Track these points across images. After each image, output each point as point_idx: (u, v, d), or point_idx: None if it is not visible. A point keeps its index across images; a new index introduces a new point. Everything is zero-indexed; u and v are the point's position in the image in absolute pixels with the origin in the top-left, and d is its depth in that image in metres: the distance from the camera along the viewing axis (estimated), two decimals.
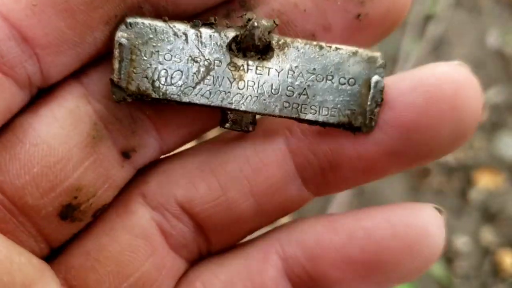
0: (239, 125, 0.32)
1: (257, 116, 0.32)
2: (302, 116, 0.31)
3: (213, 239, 0.34)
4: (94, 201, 0.32)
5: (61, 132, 0.31)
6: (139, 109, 0.32)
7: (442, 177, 1.16)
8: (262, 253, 0.33)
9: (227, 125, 0.32)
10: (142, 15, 0.30)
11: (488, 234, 1.09)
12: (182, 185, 0.33)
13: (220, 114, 0.32)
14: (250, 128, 0.32)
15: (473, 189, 1.13)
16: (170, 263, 0.34)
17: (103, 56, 0.31)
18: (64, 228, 0.32)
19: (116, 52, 0.30)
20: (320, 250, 0.32)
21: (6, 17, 0.28)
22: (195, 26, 0.30)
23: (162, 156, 0.35)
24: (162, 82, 0.30)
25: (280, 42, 0.31)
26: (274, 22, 0.30)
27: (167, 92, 0.30)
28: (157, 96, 0.30)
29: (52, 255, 0.33)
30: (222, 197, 0.32)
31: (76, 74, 0.31)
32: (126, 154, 0.32)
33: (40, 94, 0.31)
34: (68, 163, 0.31)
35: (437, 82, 0.28)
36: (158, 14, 0.30)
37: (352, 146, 0.31)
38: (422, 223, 0.30)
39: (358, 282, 0.32)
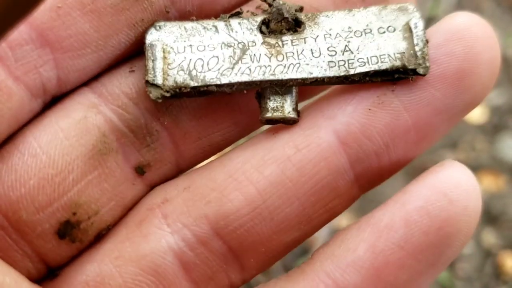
0: (282, 112, 0.29)
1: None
2: (352, 71, 0.29)
3: (248, 262, 0.30)
4: (96, 220, 0.29)
5: (64, 143, 0.29)
6: (156, 119, 0.30)
7: None
8: None
9: (268, 114, 0.29)
10: (169, 19, 0.30)
11: (490, 237, 1.09)
12: (213, 200, 0.29)
13: (258, 108, 0.30)
14: (294, 115, 0.29)
15: None
16: None
17: (120, 62, 0.30)
18: (62, 249, 0.30)
19: (148, 53, 0.29)
20: (381, 260, 0.27)
21: (29, 21, 0.27)
22: (223, 19, 0.30)
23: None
24: (199, 70, 0.29)
25: (309, 15, 0.30)
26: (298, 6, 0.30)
27: (206, 78, 0.29)
28: (196, 84, 0.29)
29: (54, 273, 0.30)
30: (262, 205, 0.29)
31: (89, 82, 0.30)
32: (139, 170, 0.30)
33: (53, 103, 0.29)
34: (68, 176, 0.29)
35: (466, 28, 0.29)
36: (183, 19, 0.30)
37: (407, 114, 0.29)
38: (464, 177, 0.28)
39: (430, 268, 0.28)
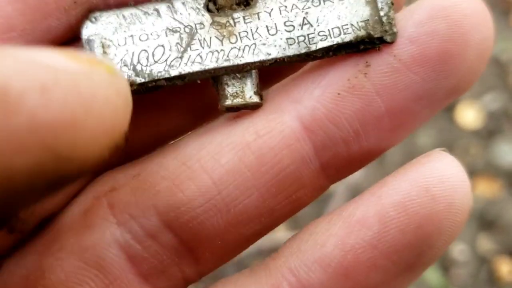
0: (242, 97, 0.27)
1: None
2: (313, 47, 0.26)
3: (203, 256, 0.28)
4: (36, 209, 0.27)
5: None
6: None
7: None
8: (268, 286, 0.26)
9: (228, 101, 0.27)
10: (107, 3, 0.27)
11: (485, 242, 1.09)
12: (163, 189, 0.27)
13: (215, 94, 0.28)
14: (256, 99, 0.27)
15: None
16: None
17: (62, 44, 0.28)
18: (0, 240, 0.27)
19: (86, 51, 0.27)
20: (351, 258, 0.25)
21: None
22: (164, 0, 0.27)
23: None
24: (144, 64, 0.26)
25: None
26: None
27: (152, 71, 0.26)
28: (143, 80, 0.26)
29: None
30: (217, 196, 0.26)
31: None
32: None
33: None
34: None
35: (454, 4, 0.26)
36: (124, 1, 0.27)
37: (380, 99, 0.26)
38: (451, 171, 0.26)
39: (406, 271, 0.26)
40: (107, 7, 0.27)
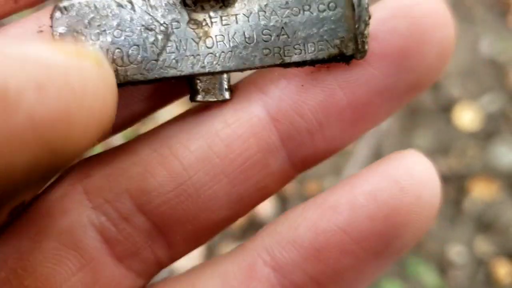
0: (213, 94, 0.28)
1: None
2: (287, 59, 0.27)
3: (175, 239, 0.29)
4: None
5: None
6: None
7: None
8: (244, 266, 0.28)
9: (199, 97, 0.28)
10: None
11: (482, 244, 1.09)
12: (135, 175, 0.28)
13: (188, 87, 0.28)
14: (227, 96, 0.28)
15: (467, 198, 1.12)
16: (109, 278, 0.28)
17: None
18: None
19: None
20: (322, 240, 0.27)
21: None
22: None
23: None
24: (119, 64, 0.26)
25: None
26: None
27: (128, 73, 0.26)
28: (118, 81, 0.26)
29: None
30: (187, 181, 0.28)
31: None
32: None
33: None
34: None
35: (415, 4, 0.27)
36: None
37: (342, 92, 0.27)
38: (420, 166, 0.27)
39: (375, 258, 0.27)
40: None
